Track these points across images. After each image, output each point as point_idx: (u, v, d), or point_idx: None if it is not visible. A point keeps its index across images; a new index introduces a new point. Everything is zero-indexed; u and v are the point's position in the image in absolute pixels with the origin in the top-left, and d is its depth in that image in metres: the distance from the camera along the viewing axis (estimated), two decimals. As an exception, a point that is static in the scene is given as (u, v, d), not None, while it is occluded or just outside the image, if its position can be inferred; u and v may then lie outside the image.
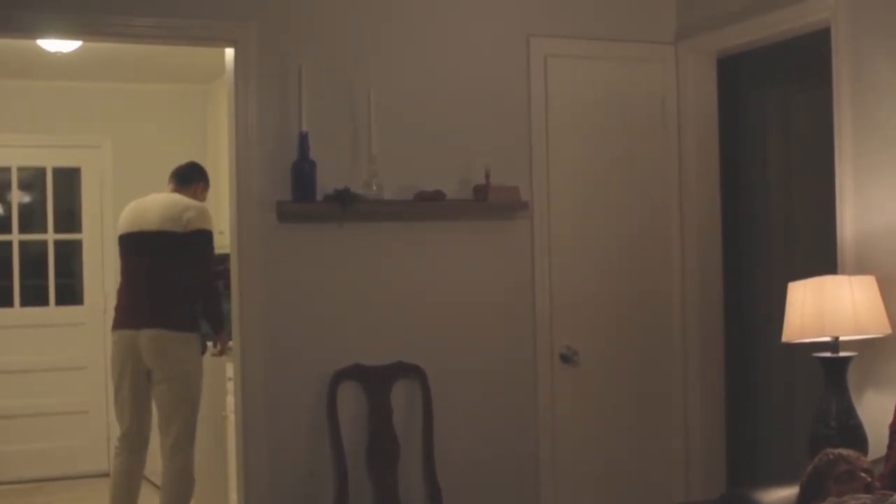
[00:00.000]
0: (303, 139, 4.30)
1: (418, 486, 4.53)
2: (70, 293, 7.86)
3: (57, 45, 6.04)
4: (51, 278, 7.77)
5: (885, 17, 3.88)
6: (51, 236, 7.80)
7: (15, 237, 7.70)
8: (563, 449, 4.79)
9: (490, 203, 4.57)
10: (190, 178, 5.52)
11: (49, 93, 7.57)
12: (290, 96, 4.34)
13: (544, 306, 4.75)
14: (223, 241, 6.44)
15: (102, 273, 7.71)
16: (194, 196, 5.44)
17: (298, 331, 4.38)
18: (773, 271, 5.27)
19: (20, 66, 6.99)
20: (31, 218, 7.85)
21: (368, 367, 4.44)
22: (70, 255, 7.92)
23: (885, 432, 3.47)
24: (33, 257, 7.82)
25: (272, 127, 4.35)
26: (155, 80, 7.66)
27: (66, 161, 7.85)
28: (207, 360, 5.55)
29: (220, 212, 6.03)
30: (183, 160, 7.71)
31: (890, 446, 3.40)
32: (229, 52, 4.41)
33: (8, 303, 7.66)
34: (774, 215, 5.36)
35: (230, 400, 5.24)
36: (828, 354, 3.76)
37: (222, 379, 5.60)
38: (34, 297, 7.75)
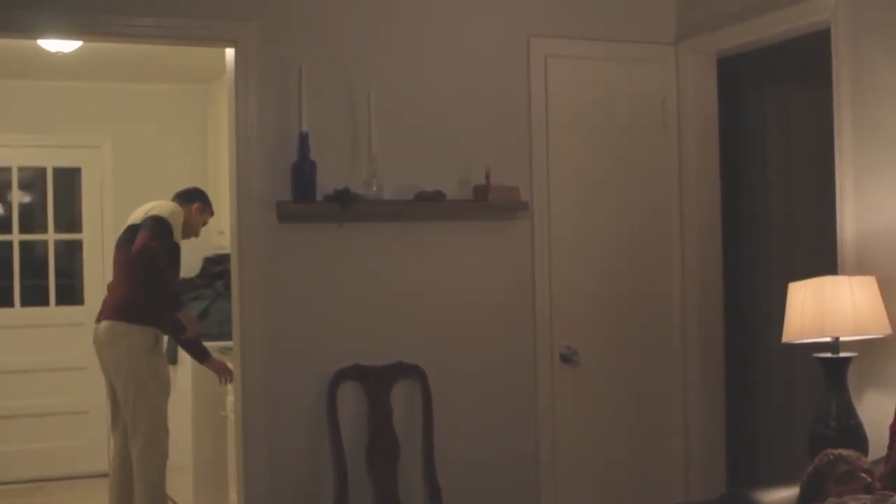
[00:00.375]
0: (303, 139, 4.30)
1: (418, 486, 4.53)
2: (70, 293, 7.85)
3: (57, 45, 6.04)
4: (51, 278, 7.77)
5: (885, 17, 3.88)
6: (51, 236, 7.80)
7: (15, 237, 7.69)
8: (563, 449, 4.79)
9: (490, 203, 4.57)
10: (188, 196, 5.48)
11: (49, 93, 7.57)
12: (291, 96, 4.34)
13: (544, 306, 4.75)
14: (223, 241, 6.46)
15: (103, 273, 7.66)
16: (189, 212, 5.40)
17: (298, 331, 4.38)
18: (773, 271, 5.27)
19: (20, 66, 6.98)
20: (32, 218, 7.85)
21: (368, 367, 4.44)
22: (70, 256, 7.92)
23: (886, 433, 3.47)
24: (34, 257, 7.82)
25: (272, 127, 4.35)
26: (155, 80, 7.66)
27: (66, 161, 7.84)
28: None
29: (220, 212, 6.03)
30: (183, 160, 7.74)
31: (890, 447, 3.39)
32: (229, 52, 4.41)
33: (8, 303, 7.65)
34: (774, 215, 5.36)
35: (230, 400, 5.24)
36: (828, 355, 3.76)
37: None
38: (34, 297, 7.74)
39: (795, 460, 5.00)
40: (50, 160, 7.78)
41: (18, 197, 7.78)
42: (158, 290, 5.07)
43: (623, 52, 4.91)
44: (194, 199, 5.45)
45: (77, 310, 7.71)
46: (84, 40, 5.46)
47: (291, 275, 4.37)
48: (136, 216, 5.31)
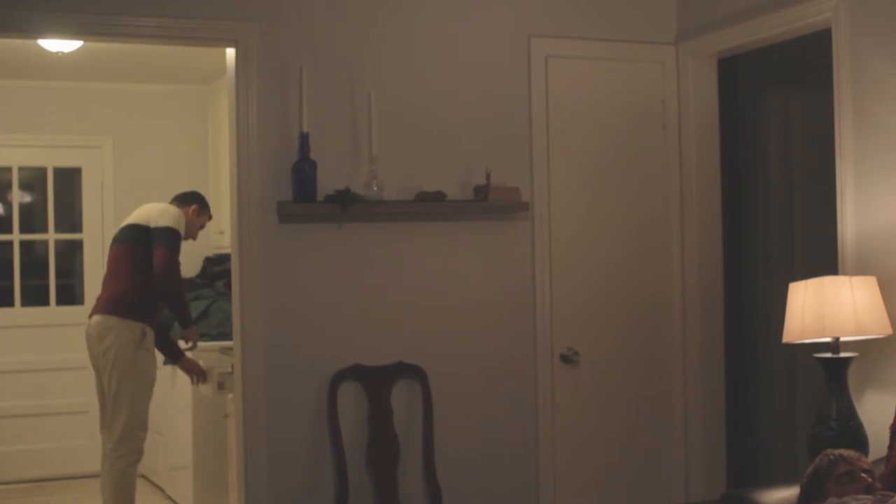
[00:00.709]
0: (303, 139, 4.30)
1: (418, 486, 4.53)
2: (70, 293, 7.86)
3: (57, 45, 6.04)
4: (51, 278, 7.77)
5: (885, 18, 3.88)
6: (51, 236, 7.80)
7: (16, 237, 7.69)
8: (563, 449, 4.79)
9: (491, 204, 4.57)
10: (186, 199, 5.49)
11: (49, 93, 7.57)
12: (291, 97, 4.34)
13: (545, 306, 4.75)
14: (223, 241, 6.46)
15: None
16: (186, 215, 5.40)
17: (299, 331, 4.38)
18: (774, 271, 5.27)
19: (20, 66, 6.99)
20: (32, 218, 7.85)
21: (369, 368, 4.45)
22: (71, 256, 7.92)
23: (886, 433, 3.47)
24: (34, 257, 7.82)
25: (273, 127, 4.35)
26: (155, 80, 7.66)
27: (66, 161, 7.84)
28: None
29: (220, 212, 6.03)
30: (183, 160, 7.74)
31: (891, 447, 3.40)
32: (230, 53, 4.41)
33: (8, 303, 7.66)
34: (775, 215, 5.36)
35: (230, 400, 5.24)
36: (828, 355, 3.76)
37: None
38: (35, 297, 7.74)
39: (795, 461, 5.02)
40: (50, 160, 7.78)
41: (19, 197, 7.78)
42: (177, 309, 5.26)
43: (624, 53, 4.91)
44: (192, 202, 5.46)
45: (77, 310, 7.70)
46: (84, 40, 5.46)
47: (292, 275, 4.37)
48: (136, 216, 5.32)
